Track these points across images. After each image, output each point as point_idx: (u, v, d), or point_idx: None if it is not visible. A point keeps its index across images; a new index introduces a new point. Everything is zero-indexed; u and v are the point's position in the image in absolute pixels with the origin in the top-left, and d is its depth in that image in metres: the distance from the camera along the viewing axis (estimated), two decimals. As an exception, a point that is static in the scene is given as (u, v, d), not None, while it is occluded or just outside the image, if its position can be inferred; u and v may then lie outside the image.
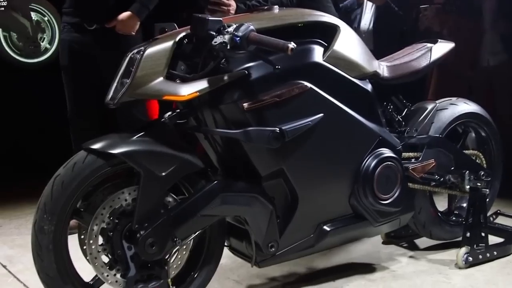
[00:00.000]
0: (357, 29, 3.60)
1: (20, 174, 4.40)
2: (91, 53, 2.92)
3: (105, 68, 2.90)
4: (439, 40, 2.62)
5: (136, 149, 1.80)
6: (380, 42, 3.58)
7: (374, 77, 2.27)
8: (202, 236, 1.99)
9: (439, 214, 2.56)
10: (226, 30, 1.80)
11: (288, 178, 2.03)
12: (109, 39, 2.88)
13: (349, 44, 2.17)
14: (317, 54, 2.08)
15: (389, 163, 2.22)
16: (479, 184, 2.46)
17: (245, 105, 1.90)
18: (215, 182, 1.91)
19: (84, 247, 1.84)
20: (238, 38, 1.76)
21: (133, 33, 2.91)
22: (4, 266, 2.60)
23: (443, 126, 2.48)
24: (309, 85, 2.02)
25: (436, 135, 2.45)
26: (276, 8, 2.15)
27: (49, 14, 4.50)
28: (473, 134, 2.71)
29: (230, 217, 2.05)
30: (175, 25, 2.07)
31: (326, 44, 2.12)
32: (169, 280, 1.91)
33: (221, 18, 1.86)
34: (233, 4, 2.72)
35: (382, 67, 2.33)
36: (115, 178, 1.89)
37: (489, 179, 2.55)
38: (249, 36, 1.77)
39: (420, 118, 2.48)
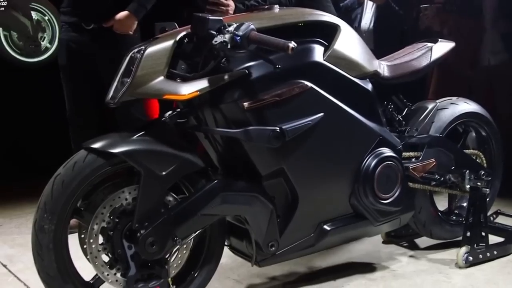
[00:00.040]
0: (357, 29, 3.60)
1: (20, 173, 4.40)
2: (89, 52, 2.93)
3: (103, 68, 2.91)
4: (440, 39, 2.62)
5: (136, 148, 1.80)
6: (380, 41, 3.58)
7: (374, 76, 2.27)
8: (203, 236, 1.99)
9: (439, 213, 2.56)
10: (227, 29, 1.80)
11: (289, 178, 2.03)
12: (106, 39, 2.88)
13: (350, 43, 2.17)
14: (318, 53, 2.08)
15: (390, 162, 2.22)
16: (479, 184, 2.47)
17: (246, 104, 1.90)
18: (216, 181, 1.91)
19: (85, 246, 1.84)
20: (239, 38, 1.76)
21: (131, 33, 2.91)
22: (5, 265, 2.60)
23: (443, 126, 2.48)
24: (309, 84, 2.02)
25: (437, 135, 2.45)
26: (276, 8, 2.15)
27: (49, 13, 4.49)
28: (474, 134, 2.71)
29: (230, 216, 2.05)
30: (176, 24, 2.07)
31: (326, 44, 2.12)
32: (170, 279, 1.90)
33: (221, 18, 1.86)
34: (232, 4, 2.72)
35: (382, 67, 2.33)
36: (116, 177, 1.89)
37: (490, 178, 2.56)
38: (249, 36, 1.77)
39: (421, 118, 2.48)
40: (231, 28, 1.79)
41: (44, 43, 4.55)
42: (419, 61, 2.46)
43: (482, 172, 2.52)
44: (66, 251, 1.80)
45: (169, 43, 1.86)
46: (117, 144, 1.80)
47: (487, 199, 2.49)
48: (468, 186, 2.46)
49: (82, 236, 1.88)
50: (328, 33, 2.13)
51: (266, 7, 2.28)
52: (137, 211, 1.79)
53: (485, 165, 2.64)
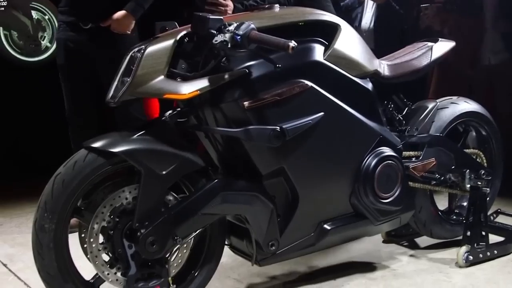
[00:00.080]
0: (358, 28, 3.60)
1: (20, 173, 4.40)
2: (87, 52, 2.93)
3: (101, 67, 2.92)
4: (440, 39, 2.62)
5: (136, 148, 1.80)
6: (381, 41, 3.58)
7: (374, 76, 2.27)
8: (203, 235, 1.99)
9: (439, 213, 2.56)
10: (227, 28, 1.79)
11: (289, 177, 2.02)
12: (104, 38, 2.88)
13: (350, 43, 2.17)
14: (318, 53, 2.08)
15: (390, 162, 2.22)
16: (479, 183, 2.47)
17: (246, 103, 1.90)
18: (216, 180, 1.91)
19: (85, 245, 1.84)
20: (239, 37, 1.76)
21: (128, 32, 2.91)
22: (5, 265, 2.60)
23: (443, 125, 2.48)
24: (309, 83, 2.02)
25: (437, 134, 2.45)
26: (276, 7, 2.15)
27: (49, 12, 4.51)
28: (474, 133, 2.71)
29: (230, 215, 2.05)
30: (176, 23, 2.07)
31: (326, 43, 2.12)
32: (170, 278, 1.90)
33: (221, 17, 1.86)
34: (230, 4, 2.72)
35: (382, 66, 2.33)
36: (116, 176, 1.88)
37: (490, 178, 2.56)
38: (250, 35, 1.76)
39: (421, 117, 2.48)
40: (231, 28, 1.79)
41: (44, 43, 4.57)
42: (419, 60, 2.46)
43: (482, 172, 2.52)
44: (66, 250, 1.80)
45: (169, 42, 1.86)
46: (118, 143, 1.79)
47: (487, 199, 2.50)
48: (468, 186, 2.46)
49: (83, 235, 1.88)
50: (329, 32, 2.13)
51: (267, 6, 2.28)
52: (137, 210, 1.79)
53: (485, 164, 2.64)
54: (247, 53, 1.87)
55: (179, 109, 1.93)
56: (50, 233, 1.74)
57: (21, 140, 4.71)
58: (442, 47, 2.56)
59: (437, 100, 2.58)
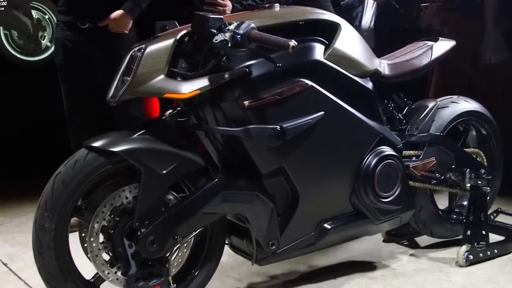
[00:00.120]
0: (358, 27, 3.60)
1: (21, 172, 4.40)
2: (84, 51, 2.93)
3: (99, 67, 2.92)
4: (440, 38, 2.62)
5: (137, 147, 1.80)
6: (381, 40, 3.58)
7: (375, 75, 2.27)
8: (203, 234, 1.99)
9: (439, 212, 2.56)
10: (227, 28, 1.79)
11: (289, 176, 2.02)
12: (102, 38, 2.88)
13: (350, 42, 2.17)
14: (318, 52, 2.08)
15: (390, 161, 2.22)
16: (479, 182, 2.47)
17: (246, 103, 1.90)
18: (216, 180, 1.91)
19: (85, 245, 1.84)
20: (239, 36, 1.76)
21: (126, 32, 2.91)
22: (5, 264, 2.60)
23: (444, 124, 2.48)
24: (310, 83, 2.02)
25: (437, 133, 2.45)
26: (277, 6, 2.15)
27: (49, 12, 4.51)
28: (474, 132, 2.71)
29: (230, 215, 2.05)
30: (176, 23, 2.07)
31: (327, 42, 2.12)
32: (170, 278, 1.90)
33: (222, 16, 1.86)
34: (229, 4, 2.72)
35: (383, 65, 2.33)
36: (116, 176, 1.88)
37: (490, 177, 2.56)
38: (250, 34, 1.76)
39: (421, 116, 2.48)
40: (231, 27, 1.78)
41: (45, 42, 4.57)
42: (419, 59, 2.46)
43: (483, 171, 2.52)
44: (66, 249, 1.80)
45: (169, 41, 1.86)
46: (118, 143, 1.79)
47: (488, 198, 2.50)
48: (468, 185, 2.46)
49: (83, 234, 1.88)
50: (329, 31, 2.13)
51: (267, 5, 2.28)
52: (137, 210, 1.79)
53: (485, 163, 2.64)
54: (247, 53, 1.86)
55: (179, 108, 1.93)
56: (50, 233, 1.74)
57: (21, 139, 4.71)
58: (443, 46, 2.56)
59: (438, 99, 2.58)
